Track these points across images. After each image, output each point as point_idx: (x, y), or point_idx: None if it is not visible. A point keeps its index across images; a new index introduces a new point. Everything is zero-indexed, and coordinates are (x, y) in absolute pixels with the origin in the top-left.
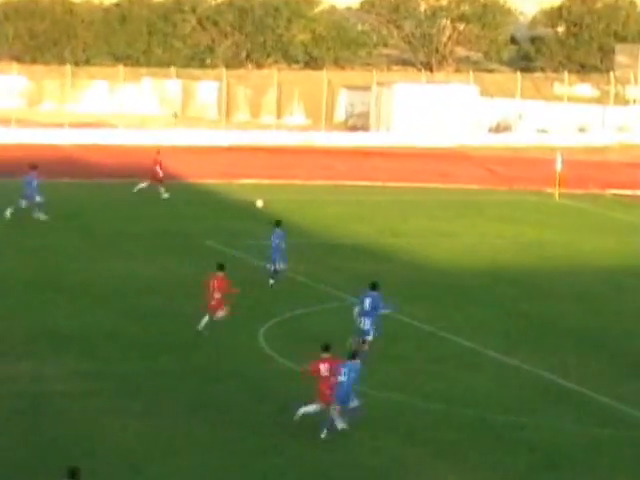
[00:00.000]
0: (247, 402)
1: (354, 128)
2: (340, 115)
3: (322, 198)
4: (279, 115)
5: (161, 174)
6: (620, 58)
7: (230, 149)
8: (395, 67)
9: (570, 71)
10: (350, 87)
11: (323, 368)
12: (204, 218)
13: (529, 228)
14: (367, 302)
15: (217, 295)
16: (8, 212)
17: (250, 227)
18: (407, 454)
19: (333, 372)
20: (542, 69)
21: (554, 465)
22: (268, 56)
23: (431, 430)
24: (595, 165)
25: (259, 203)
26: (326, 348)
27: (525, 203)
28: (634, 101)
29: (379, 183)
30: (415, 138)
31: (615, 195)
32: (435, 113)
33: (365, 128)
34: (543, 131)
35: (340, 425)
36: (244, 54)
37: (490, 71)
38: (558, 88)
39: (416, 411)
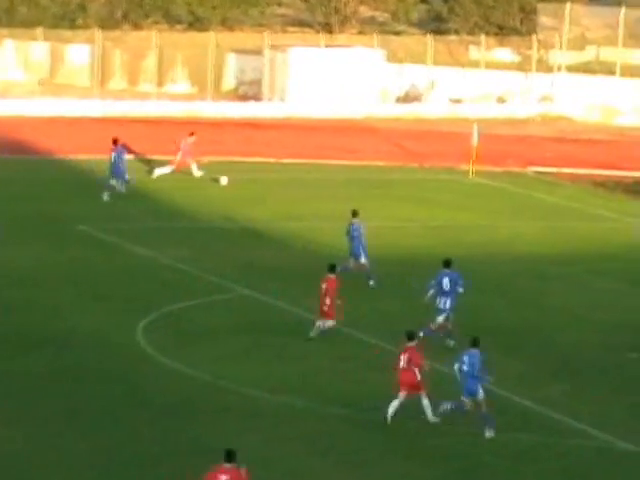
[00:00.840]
0: (124, 407)
1: (245, 97)
2: (229, 83)
3: (209, 176)
4: (160, 83)
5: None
6: (543, 19)
7: (104, 120)
8: (291, 29)
9: (487, 34)
10: (240, 51)
11: (403, 359)
12: (75, 199)
13: (442, 210)
14: (445, 281)
15: (327, 300)
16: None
17: (125, 209)
18: (305, 465)
19: (412, 362)
20: (456, 31)
21: (471, 475)
22: (147, 16)
23: (333, 437)
24: (515, 139)
25: (223, 180)
26: (410, 336)
27: (437, 182)
28: (559, 68)
29: (273, 159)
30: (314, 109)
31: (537, 173)
32: (336, 80)
33: (257, 97)
34: (457, 101)
35: (432, 417)
36: (120, 13)
37: (398, 33)
38: (474, 53)
39: (317, 416)
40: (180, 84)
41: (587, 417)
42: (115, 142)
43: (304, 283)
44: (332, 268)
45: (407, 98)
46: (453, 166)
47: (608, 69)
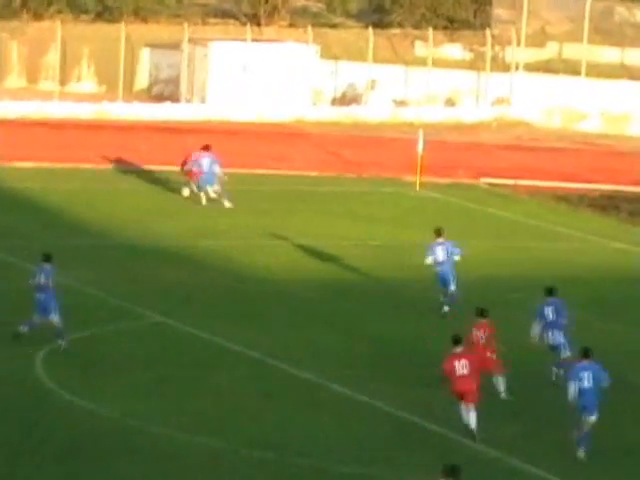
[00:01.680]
0: (23, 448)
1: (160, 98)
2: (142, 81)
3: (117, 187)
4: (63, 81)
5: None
6: (499, 12)
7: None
8: (212, 20)
9: (436, 27)
10: (155, 45)
11: (458, 365)
12: None
13: (383, 227)
14: (549, 311)
15: (489, 354)
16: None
17: (18, 223)
18: None
19: (473, 367)
20: (400, 24)
21: None
22: (49, 4)
23: None
24: (466, 147)
25: (185, 192)
26: (457, 341)
27: (378, 195)
28: (516, 66)
29: None
30: (238, 111)
31: (491, 185)
32: (263, 79)
33: (174, 98)
34: (401, 103)
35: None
36: (18, 1)
37: (334, 26)
38: (420, 49)
39: (237, 460)
40: (86, 82)
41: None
42: (207, 148)
43: (222, 308)
44: (483, 312)
45: (344, 100)
46: (396, 177)
47: (572, 68)
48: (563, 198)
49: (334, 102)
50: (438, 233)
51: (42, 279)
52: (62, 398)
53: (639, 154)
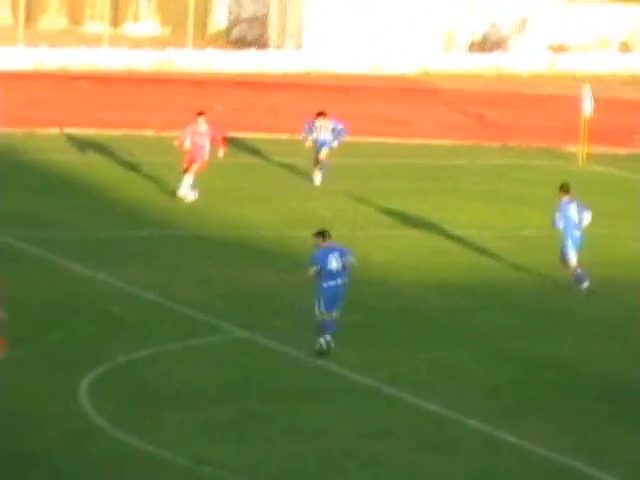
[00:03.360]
0: None
1: (242, 43)
2: (219, 22)
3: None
4: (116, 21)
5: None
6: None
7: (33, 76)
8: None
9: None
10: None
11: None
12: None
13: (536, 213)
14: None
15: None
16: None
17: (55, 208)
18: None
19: None
20: None
21: None
22: None
23: None
24: None
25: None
26: None
27: (530, 170)
28: None
29: (283, 135)
30: (343, 60)
31: None
32: (376, 20)
33: (260, 43)
34: (560, 49)
35: None
36: None
37: None
38: None
39: None
40: (146, 23)
41: None
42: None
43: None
44: None
45: (485, 45)
46: (554, 146)
47: None
48: None
49: (472, 48)
50: (566, 190)
51: None
52: (114, 438)
53: None
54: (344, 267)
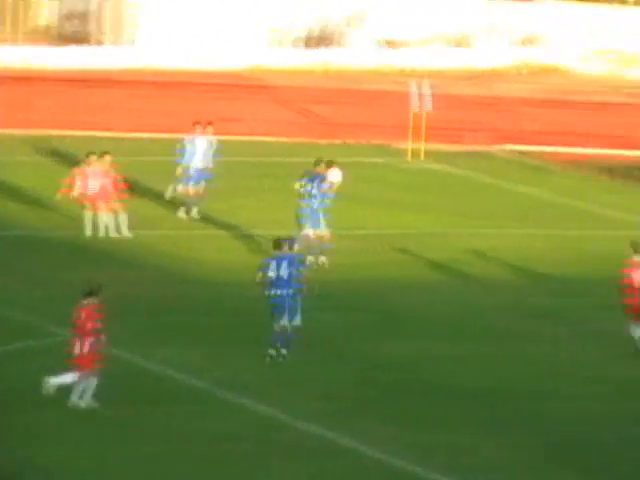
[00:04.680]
0: None
1: (66, 38)
2: (39, 16)
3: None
4: None
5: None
6: None
7: None
8: None
9: None
10: None
11: None
12: None
13: (370, 210)
14: None
15: None
16: None
17: None
18: None
19: None
20: None
21: None
22: None
23: None
24: (481, 102)
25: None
26: None
27: (362, 167)
28: None
29: (111, 133)
30: (174, 57)
31: (513, 153)
32: (206, 15)
33: (83, 38)
34: (392, 44)
35: None
36: None
37: None
38: None
39: None
40: None
41: None
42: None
43: (154, 321)
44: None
45: (317, 41)
46: (386, 143)
47: None
48: (611, 170)
49: (302, 43)
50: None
51: None
52: None
53: None
54: (290, 276)
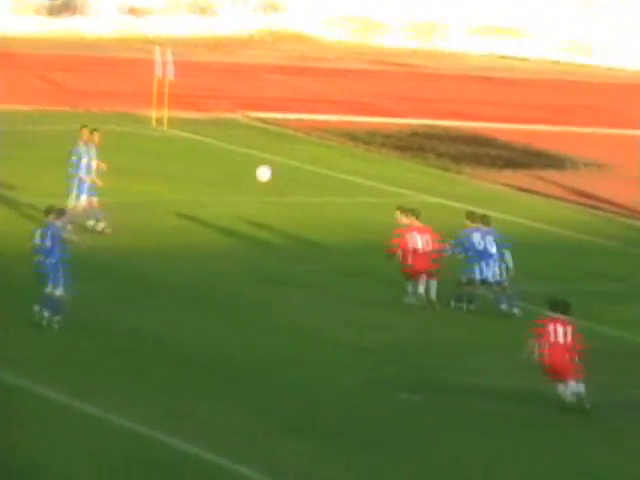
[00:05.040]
0: None
1: None
2: None
3: None
4: None
5: None
6: None
7: None
8: None
9: None
10: None
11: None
12: None
13: (114, 179)
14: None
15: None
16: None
17: None
18: None
19: None
20: None
21: None
22: None
23: None
24: (224, 69)
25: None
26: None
27: (109, 136)
28: None
29: None
30: None
31: (257, 120)
32: None
33: None
34: (134, 11)
35: None
36: None
37: None
38: None
39: None
40: None
41: None
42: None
43: None
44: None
45: (58, 8)
46: (131, 111)
47: None
48: (354, 136)
49: (46, 11)
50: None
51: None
52: None
53: (455, 77)
54: (54, 244)
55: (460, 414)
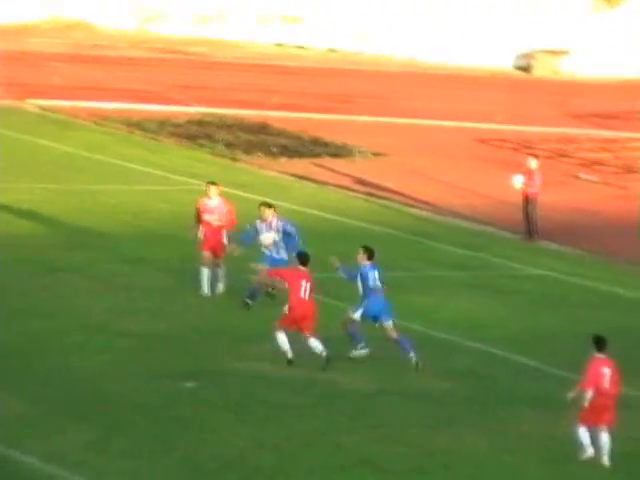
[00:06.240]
0: None
1: None
2: None
3: None
4: None
5: None
6: None
7: None
8: None
9: None
10: None
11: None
12: None
13: None
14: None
15: None
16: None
17: None
18: None
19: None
20: None
21: None
22: None
23: None
24: (6, 57)
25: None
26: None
27: None
28: None
29: None
30: None
31: (40, 108)
32: None
33: None
34: None
35: None
36: None
37: None
38: None
39: None
40: None
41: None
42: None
43: None
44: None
45: None
46: None
47: None
48: (139, 124)
49: None
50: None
51: None
52: None
53: (236, 65)
54: None
55: (237, 400)
